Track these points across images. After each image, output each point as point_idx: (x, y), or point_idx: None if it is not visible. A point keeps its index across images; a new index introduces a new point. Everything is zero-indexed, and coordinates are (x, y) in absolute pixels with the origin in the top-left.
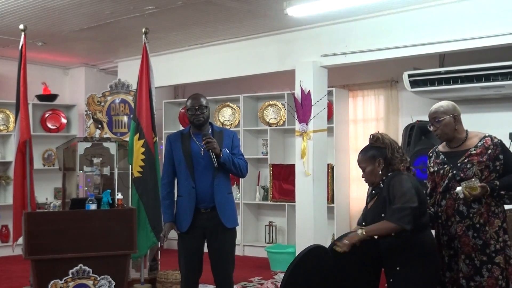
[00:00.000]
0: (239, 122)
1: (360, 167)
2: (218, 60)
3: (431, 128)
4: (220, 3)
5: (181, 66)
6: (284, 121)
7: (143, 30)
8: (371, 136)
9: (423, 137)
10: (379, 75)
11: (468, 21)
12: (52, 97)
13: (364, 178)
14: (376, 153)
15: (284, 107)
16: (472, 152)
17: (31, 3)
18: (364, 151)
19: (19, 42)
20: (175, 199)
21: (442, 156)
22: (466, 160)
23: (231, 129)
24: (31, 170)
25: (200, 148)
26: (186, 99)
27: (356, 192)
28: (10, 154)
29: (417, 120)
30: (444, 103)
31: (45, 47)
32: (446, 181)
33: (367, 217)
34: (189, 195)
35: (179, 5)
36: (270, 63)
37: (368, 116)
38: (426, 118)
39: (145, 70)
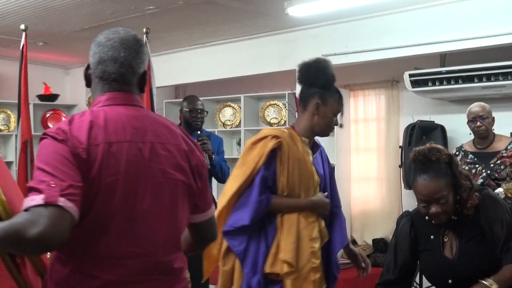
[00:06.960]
0: (240, 122)
1: (433, 199)
2: (219, 60)
3: (473, 124)
4: (221, 3)
5: (182, 66)
6: (285, 121)
7: (144, 30)
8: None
9: (424, 137)
10: (380, 75)
11: (469, 20)
12: (53, 97)
13: (436, 216)
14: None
15: (285, 107)
16: (504, 154)
17: (32, 3)
18: (432, 171)
19: (20, 42)
20: None
21: (471, 156)
22: (498, 161)
23: (231, 129)
24: (32, 170)
25: None
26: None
27: (357, 192)
28: (11, 154)
29: (418, 120)
30: (486, 105)
31: (46, 47)
32: (481, 180)
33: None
34: None
35: (180, 5)
36: (271, 63)
37: (369, 116)
38: (427, 118)
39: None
